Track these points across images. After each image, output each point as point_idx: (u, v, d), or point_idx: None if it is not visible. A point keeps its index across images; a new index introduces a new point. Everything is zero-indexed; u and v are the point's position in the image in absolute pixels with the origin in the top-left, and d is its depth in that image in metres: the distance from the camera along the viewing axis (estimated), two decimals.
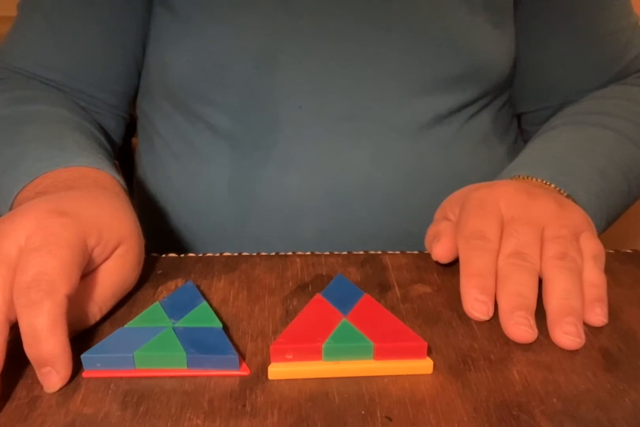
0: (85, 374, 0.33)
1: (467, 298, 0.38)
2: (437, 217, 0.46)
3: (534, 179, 0.47)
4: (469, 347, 0.35)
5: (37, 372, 0.31)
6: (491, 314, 0.37)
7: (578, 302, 0.37)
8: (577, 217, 0.41)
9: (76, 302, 0.34)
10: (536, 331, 0.36)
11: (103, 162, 0.45)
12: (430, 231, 0.44)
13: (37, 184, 0.43)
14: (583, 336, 0.35)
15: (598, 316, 0.37)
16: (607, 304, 0.38)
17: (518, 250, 0.38)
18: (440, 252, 0.41)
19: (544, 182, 0.47)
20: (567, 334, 0.35)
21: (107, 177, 0.44)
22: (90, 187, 0.42)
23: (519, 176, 0.48)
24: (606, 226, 0.51)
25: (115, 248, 0.37)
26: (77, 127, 0.51)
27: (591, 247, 0.40)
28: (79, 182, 0.42)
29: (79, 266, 0.33)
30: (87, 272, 0.36)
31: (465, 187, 0.46)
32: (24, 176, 0.43)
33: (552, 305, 0.36)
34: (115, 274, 0.37)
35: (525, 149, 0.55)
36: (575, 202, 0.45)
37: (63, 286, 0.32)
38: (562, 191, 0.46)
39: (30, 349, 0.31)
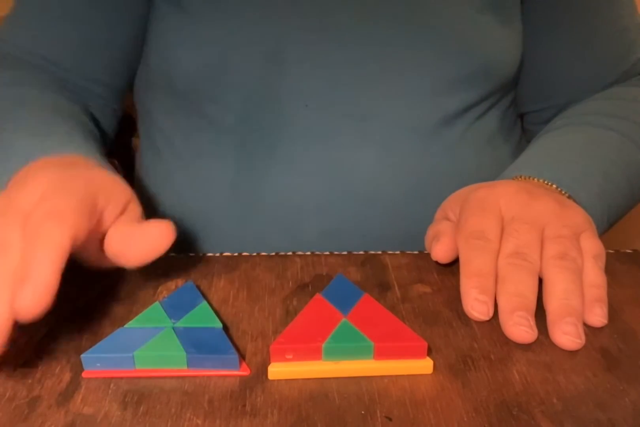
0: (85, 374, 0.33)
1: (467, 298, 0.38)
2: (437, 217, 0.46)
3: (535, 179, 0.47)
4: (469, 347, 0.35)
5: (16, 290, 0.30)
6: (491, 314, 0.37)
7: (578, 302, 0.37)
8: (578, 217, 0.41)
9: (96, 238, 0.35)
10: (536, 331, 0.36)
11: (94, 153, 0.45)
12: (430, 230, 0.44)
13: (36, 165, 0.42)
14: (583, 337, 0.35)
15: (598, 317, 0.37)
16: (607, 304, 0.38)
17: (518, 250, 0.38)
18: (440, 252, 0.41)
19: (546, 182, 0.47)
20: (566, 335, 0.35)
21: (96, 163, 0.44)
22: (91, 166, 0.42)
23: (521, 176, 0.48)
24: (607, 227, 0.51)
25: (124, 209, 0.38)
26: (67, 114, 0.51)
27: (592, 247, 0.40)
28: (79, 165, 0.42)
29: (88, 215, 0.34)
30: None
31: (465, 187, 0.46)
32: (18, 163, 0.42)
33: (552, 305, 0.36)
34: (128, 225, 0.37)
35: (528, 149, 0.55)
36: (577, 203, 0.45)
37: (72, 224, 0.32)
38: (563, 192, 0.46)
39: (21, 266, 0.30)
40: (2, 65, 0.56)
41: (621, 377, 0.33)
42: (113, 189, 0.38)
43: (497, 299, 0.37)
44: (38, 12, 0.57)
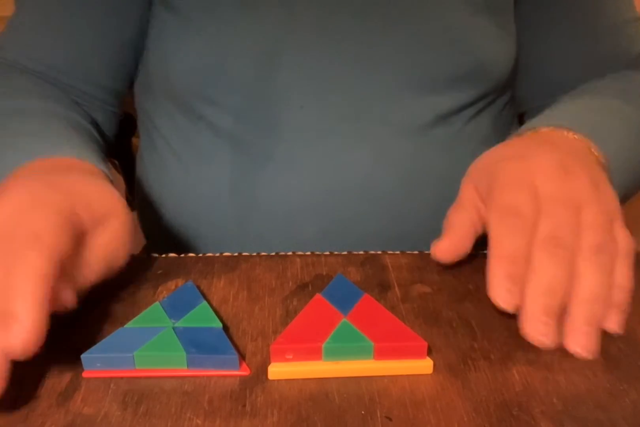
0: (85, 374, 0.33)
1: (494, 283, 0.35)
2: (462, 197, 0.43)
3: (571, 133, 0.45)
4: (469, 347, 0.35)
5: (2, 333, 0.28)
6: (517, 302, 0.34)
7: (601, 310, 0.35)
8: (611, 201, 0.39)
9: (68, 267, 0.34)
10: (557, 336, 0.34)
11: (91, 155, 0.45)
12: (448, 217, 0.42)
13: (22, 170, 0.41)
14: (597, 347, 0.34)
15: (613, 325, 0.36)
16: (628, 310, 0.36)
17: (555, 233, 0.36)
18: (440, 252, 0.40)
19: (580, 139, 0.45)
20: (582, 348, 0.34)
21: (94, 168, 0.43)
22: (78, 171, 0.42)
23: (560, 126, 0.46)
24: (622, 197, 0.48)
25: (105, 220, 0.37)
26: (67, 121, 0.51)
27: (624, 241, 0.37)
28: (66, 169, 0.42)
29: (67, 230, 0.33)
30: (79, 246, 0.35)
31: (486, 157, 0.43)
32: (8, 166, 0.42)
33: (576, 309, 0.35)
34: (105, 245, 0.36)
35: (556, 105, 0.53)
36: (604, 163, 0.44)
37: (51, 243, 0.31)
38: (595, 152, 0.44)
39: (4, 301, 0.29)
40: (1, 75, 0.56)
41: (621, 377, 0.33)
42: (98, 198, 0.36)
43: (525, 288, 0.35)
44: (39, 18, 0.57)
